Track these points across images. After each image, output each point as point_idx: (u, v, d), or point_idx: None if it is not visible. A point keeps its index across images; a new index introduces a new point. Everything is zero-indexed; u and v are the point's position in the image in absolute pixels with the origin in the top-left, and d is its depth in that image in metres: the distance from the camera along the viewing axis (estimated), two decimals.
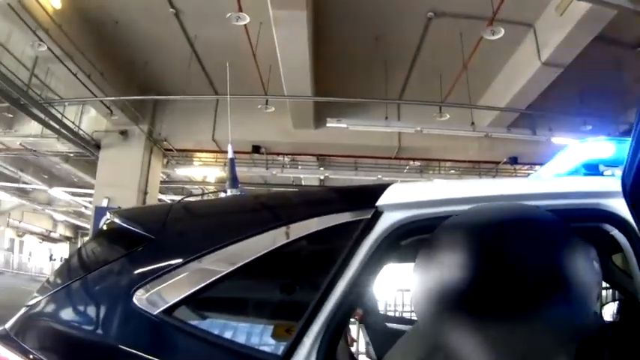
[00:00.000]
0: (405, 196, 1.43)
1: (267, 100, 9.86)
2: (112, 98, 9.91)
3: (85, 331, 1.39)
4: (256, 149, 12.41)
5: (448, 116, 10.42)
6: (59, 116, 10.52)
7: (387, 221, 1.38)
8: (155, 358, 1.26)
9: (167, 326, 1.30)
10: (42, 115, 9.96)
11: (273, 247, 1.37)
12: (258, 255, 1.35)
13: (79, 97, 10.20)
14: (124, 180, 10.85)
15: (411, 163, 14.24)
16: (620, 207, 1.30)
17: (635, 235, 1.25)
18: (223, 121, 10.87)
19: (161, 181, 13.54)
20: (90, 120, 11.82)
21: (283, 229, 1.42)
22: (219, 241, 1.38)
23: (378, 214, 1.39)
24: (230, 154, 2.08)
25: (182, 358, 1.29)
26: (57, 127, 10.35)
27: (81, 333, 1.38)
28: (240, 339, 1.29)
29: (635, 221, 1.24)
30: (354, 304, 1.35)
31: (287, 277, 1.41)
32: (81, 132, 11.29)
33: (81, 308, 1.45)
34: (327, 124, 9.49)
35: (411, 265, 1.22)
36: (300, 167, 14.80)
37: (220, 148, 12.10)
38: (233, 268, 1.33)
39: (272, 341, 1.30)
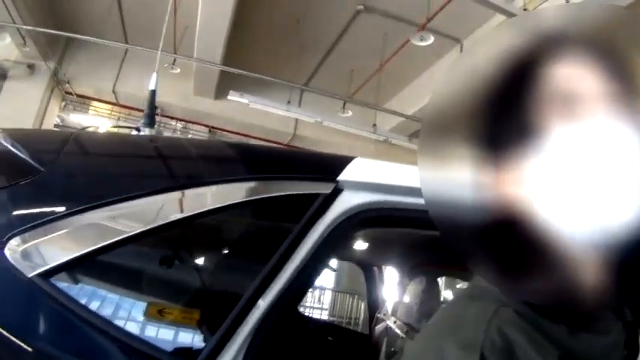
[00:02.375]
0: (372, 176, 1.09)
1: (174, 60, 9.13)
2: (28, 27, 8.78)
3: None
4: None
5: (351, 113, 10.28)
6: None
7: (347, 202, 1.05)
8: (22, 343, 0.84)
9: (44, 298, 0.88)
10: None
11: (200, 211, 0.99)
12: (178, 218, 0.98)
13: None
14: (20, 116, 9.90)
15: None
16: None
17: None
18: (127, 73, 10.63)
19: (55, 125, 12.41)
20: (2, 48, 10.66)
21: (215, 188, 1.04)
22: (127, 190, 0.98)
23: (337, 192, 1.06)
24: (152, 85, 1.66)
25: (62, 349, 0.87)
26: None
27: None
28: (143, 334, 0.90)
29: None
30: (295, 302, 1.03)
31: (213, 254, 1.05)
32: None
33: None
34: (229, 97, 8.91)
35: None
36: (190, 136, 14.15)
37: (118, 101, 11.41)
38: (141, 230, 0.94)
39: (185, 341, 0.94)
